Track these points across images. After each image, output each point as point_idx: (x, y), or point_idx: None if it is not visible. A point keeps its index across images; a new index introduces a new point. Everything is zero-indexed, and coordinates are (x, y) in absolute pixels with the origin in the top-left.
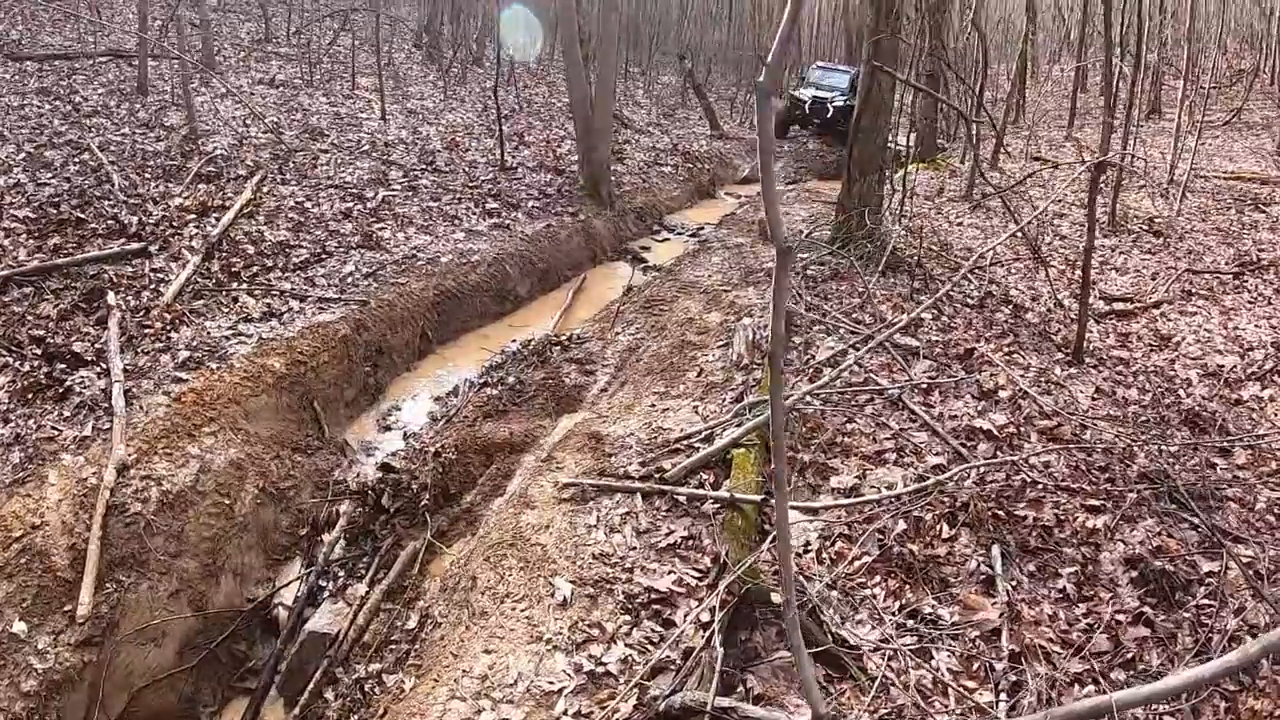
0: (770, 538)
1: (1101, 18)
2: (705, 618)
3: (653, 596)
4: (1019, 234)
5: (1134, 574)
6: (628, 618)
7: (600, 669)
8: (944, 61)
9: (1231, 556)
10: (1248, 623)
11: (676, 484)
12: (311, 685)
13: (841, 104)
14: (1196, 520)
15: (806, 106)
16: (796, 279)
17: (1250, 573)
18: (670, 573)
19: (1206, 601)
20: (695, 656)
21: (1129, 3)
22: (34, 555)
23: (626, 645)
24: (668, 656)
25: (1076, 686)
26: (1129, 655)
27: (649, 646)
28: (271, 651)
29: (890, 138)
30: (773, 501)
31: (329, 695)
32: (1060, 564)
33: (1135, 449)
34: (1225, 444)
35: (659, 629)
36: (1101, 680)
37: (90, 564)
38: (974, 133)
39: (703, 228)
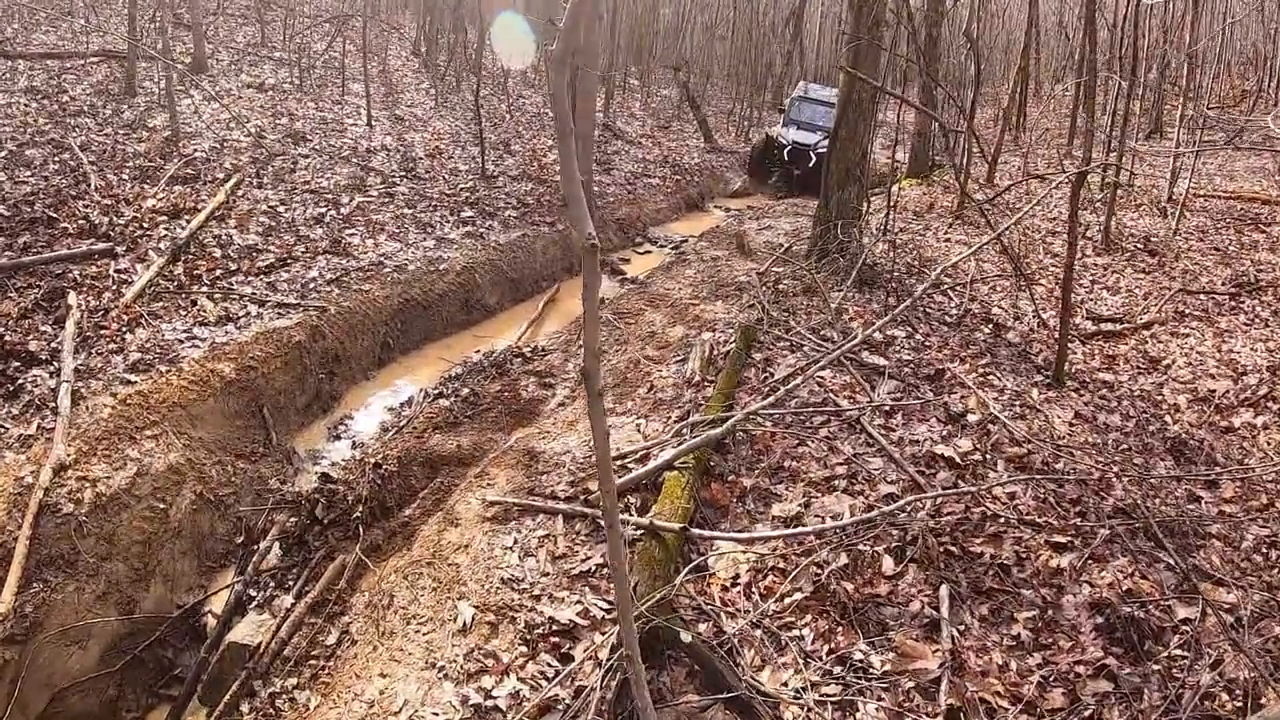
0: (688, 569)
1: (1105, 37)
2: (604, 655)
3: (554, 628)
4: (1000, 247)
5: (1099, 620)
6: (525, 649)
7: (488, 703)
8: (933, 76)
9: (1208, 602)
10: (1224, 677)
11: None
12: (229, 696)
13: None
14: (1174, 560)
15: (785, 153)
16: (766, 291)
17: (1229, 620)
18: (577, 603)
19: (1180, 652)
20: (585, 697)
21: (1125, 21)
22: None
23: (519, 679)
24: (557, 695)
25: None
26: (1087, 713)
27: (542, 682)
28: (195, 660)
29: (883, 152)
30: (694, 531)
31: (244, 708)
32: (1017, 607)
33: (1112, 480)
34: (1212, 475)
35: (556, 663)
36: None
37: (16, 562)
38: (952, 145)
39: (686, 240)
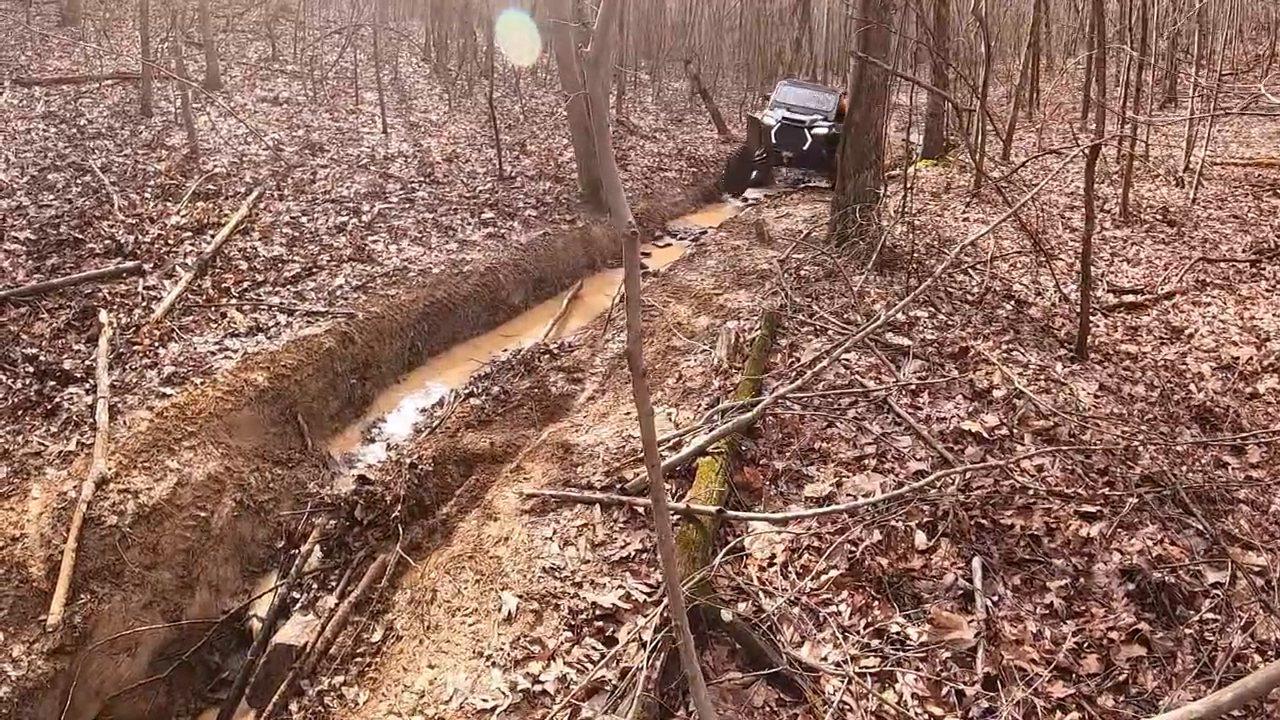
0: (725, 550)
1: (1114, 8)
2: (647, 636)
3: (597, 613)
4: (1019, 224)
5: (1130, 586)
6: (570, 634)
7: (536, 687)
8: (944, 56)
9: (1238, 566)
10: (1256, 639)
11: (637, 494)
12: (277, 697)
13: (826, 130)
14: (1203, 526)
15: (773, 133)
16: (788, 278)
17: (1259, 583)
18: (619, 588)
19: (1211, 616)
20: (632, 677)
21: None
22: (12, 566)
23: (566, 663)
24: (604, 676)
25: (1059, 713)
26: (1121, 677)
27: (588, 665)
28: (242, 662)
29: (898, 134)
30: (730, 513)
31: (293, 707)
32: (1048, 576)
33: (1139, 449)
34: (1238, 441)
35: (601, 647)
36: (1087, 706)
37: (64, 575)
38: (966, 124)
39: (705, 231)
